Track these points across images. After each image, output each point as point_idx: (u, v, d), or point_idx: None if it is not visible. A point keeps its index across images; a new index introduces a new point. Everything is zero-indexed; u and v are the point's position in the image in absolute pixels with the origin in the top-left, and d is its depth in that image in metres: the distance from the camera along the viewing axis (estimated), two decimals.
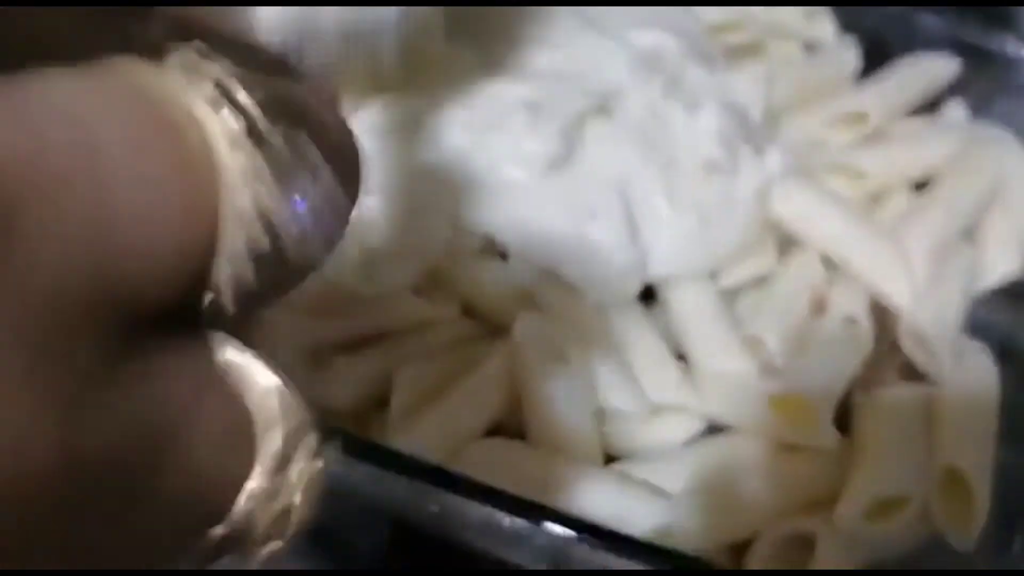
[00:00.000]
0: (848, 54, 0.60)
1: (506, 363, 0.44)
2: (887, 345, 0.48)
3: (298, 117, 0.15)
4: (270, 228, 0.14)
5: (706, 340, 0.45)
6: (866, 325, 0.47)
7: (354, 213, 0.16)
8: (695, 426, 0.45)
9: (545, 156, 0.45)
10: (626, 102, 0.48)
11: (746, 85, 0.52)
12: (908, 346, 0.48)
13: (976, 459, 0.42)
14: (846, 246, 0.49)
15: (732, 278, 0.49)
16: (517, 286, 0.46)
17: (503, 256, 0.46)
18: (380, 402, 0.43)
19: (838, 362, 0.46)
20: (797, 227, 0.50)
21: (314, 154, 0.15)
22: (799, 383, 0.44)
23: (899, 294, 0.48)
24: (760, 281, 0.49)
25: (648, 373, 0.45)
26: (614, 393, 0.44)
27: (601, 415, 0.44)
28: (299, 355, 0.42)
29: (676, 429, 0.45)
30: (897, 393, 0.46)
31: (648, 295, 0.48)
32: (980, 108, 0.60)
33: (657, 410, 0.45)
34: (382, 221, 0.43)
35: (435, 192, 0.44)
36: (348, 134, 0.17)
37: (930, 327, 0.46)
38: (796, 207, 0.49)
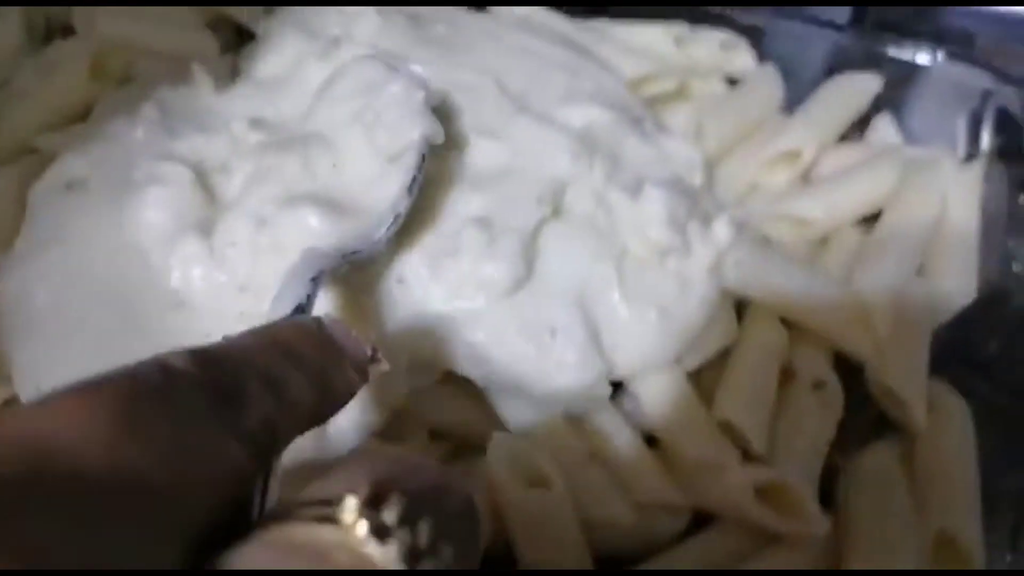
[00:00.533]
0: (771, 84, 0.59)
1: (482, 488, 0.43)
2: (857, 402, 0.48)
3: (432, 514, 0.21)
4: None
5: (682, 430, 0.45)
6: (835, 386, 0.47)
7: None
8: (682, 520, 0.44)
9: (507, 280, 0.43)
10: (573, 197, 0.47)
11: (681, 149, 0.51)
12: (880, 399, 0.47)
13: (965, 518, 0.42)
14: (803, 304, 0.48)
15: (696, 356, 0.48)
16: (483, 409, 0.45)
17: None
18: None
19: (814, 434, 0.45)
20: (752, 293, 0.49)
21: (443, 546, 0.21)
22: (780, 466, 0.43)
23: (862, 346, 0.47)
24: (725, 353, 0.49)
25: (629, 474, 0.44)
26: (597, 503, 0.43)
27: (588, 523, 0.43)
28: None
29: (664, 525, 0.44)
30: (877, 458, 0.45)
31: (616, 383, 0.47)
32: (906, 117, 0.60)
33: (643, 508, 0.44)
34: None
35: (392, 336, 0.42)
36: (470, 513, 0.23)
37: (899, 377, 0.46)
38: (748, 273, 0.48)
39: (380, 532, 0.20)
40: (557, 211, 0.46)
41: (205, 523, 0.20)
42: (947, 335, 0.50)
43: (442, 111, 0.48)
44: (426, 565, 0.20)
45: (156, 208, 0.44)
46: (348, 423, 0.41)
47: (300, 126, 0.49)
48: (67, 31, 0.64)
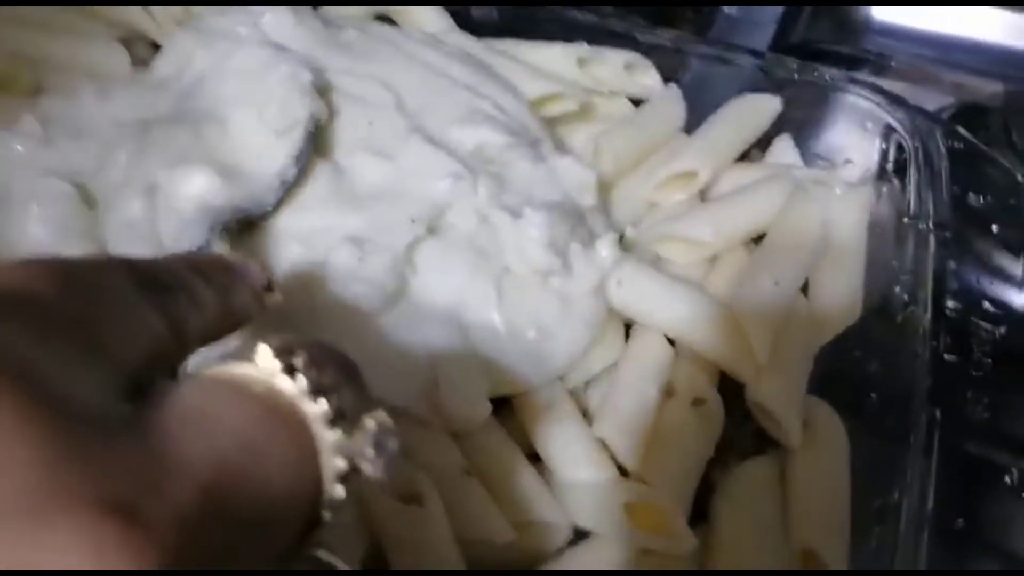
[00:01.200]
0: (673, 106, 0.60)
1: (355, 500, 0.43)
2: (740, 417, 0.49)
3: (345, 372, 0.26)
4: (351, 460, 0.24)
5: (562, 449, 0.45)
6: (715, 404, 0.48)
7: None
8: (562, 535, 0.45)
9: (376, 299, 0.44)
10: (455, 217, 0.47)
11: (574, 170, 0.52)
12: (758, 417, 0.48)
13: (830, 535, 0.43)
14: (684, 325, 0.49)
15: (580, 374, 0.49)
16: None
17: None
18: None
19: (690, 450, 0.46)
20: (635, 312, 0.50)
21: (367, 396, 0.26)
22: (653, 485, 0.44)
23: (741, 366, 0.48)
24: (608, 368, 0.49)
25: (508, 490, 0.44)
26: (474, 519, 0.43)
27: (463, 540, 0.44)
28: None
29: (543, 542, 0.45)
30: (751, 473, 0.46)
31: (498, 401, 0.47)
32: (807, 138, 0.61)
33: (521, 525, 0.44)
34: None
35: None
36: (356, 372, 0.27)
37: (775, 396, 0.47)
38: (631, 293, 0.49)
39: (290, 370, 0.24)
40: (434, 229, 0.47)
41: (135, 370, 0.23)
42: (831, 353, 0.51)
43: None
44: (330, 401, 0.24)
45: (39, 224, 0.45)
46: None
47: (187, 104, 0.50)
48: None
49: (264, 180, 0.47)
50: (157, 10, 0.63)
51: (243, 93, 0.49)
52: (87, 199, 0.47)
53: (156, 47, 0.64)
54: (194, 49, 0.55)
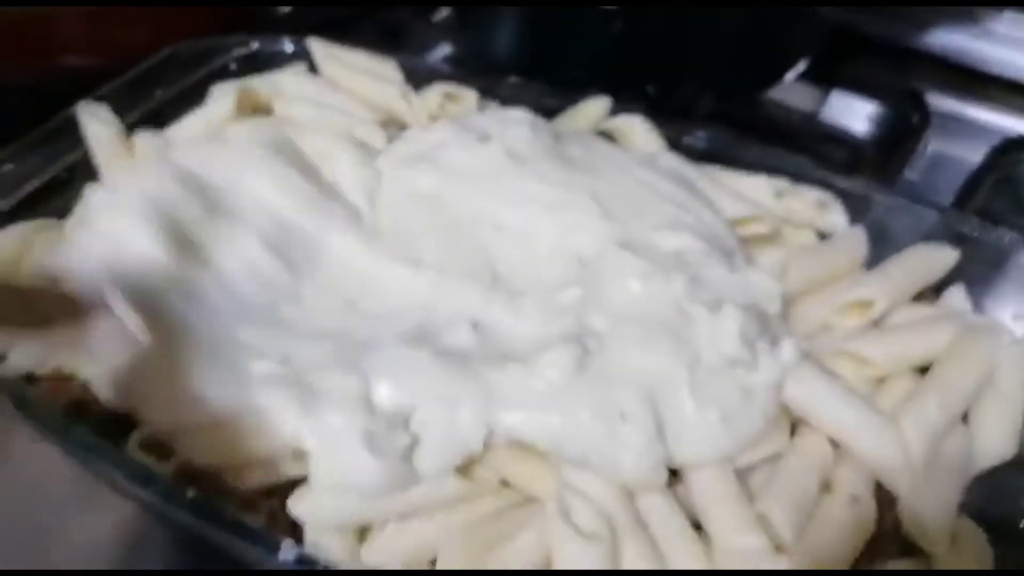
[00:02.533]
0: (858, 243, 0.67)
1: (540, 535, 0.50)
2: (890, 522, 0.53)
3: None
4: None
5: (723, 519, 0.51)
6: (869, 504, 0.53)
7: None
8: None
9: (567, 361, 0.52)
10: (655, 306, 0.55)
11: (763, 281, 0.59)
12: (908, 525, 0.52)
13: None
14: (850, 430, 0.54)
15: (748, 458, 0.54)
16: (548, 467, 0.52)
17: None
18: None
19: (842, 539, 0.51)
20: (807, 411, 0.55)
21: None
22: (806, 561, 0.49)
23: (899, 477, 0.53)
24: (773, 457, 0.55)
25: (672, 550, 0.50)
26: (640, 566, 0.49)
27: None
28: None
29: None
30: (894, 568, 0.50)
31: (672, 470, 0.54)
32: (979, 292, 0.66)
33: None
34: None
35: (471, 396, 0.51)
36: None
37: (927, 509, 0.52)
38: (806, 394, 0.55)
39: None
40: (631, 318, 0.55)
41: None
42: (983, 486, 0.55)
43: None
44: None
45: None
46: (432, 460, 0.50)
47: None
48: (268, 111, 0.77)
49: None
50: (416, 100, 0.75)
51: None
52: None
53: None
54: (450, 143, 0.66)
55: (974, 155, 0.95)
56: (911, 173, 0.95)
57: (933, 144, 0.98)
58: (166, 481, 0.50)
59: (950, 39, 1.06)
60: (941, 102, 1.02)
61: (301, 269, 0.62)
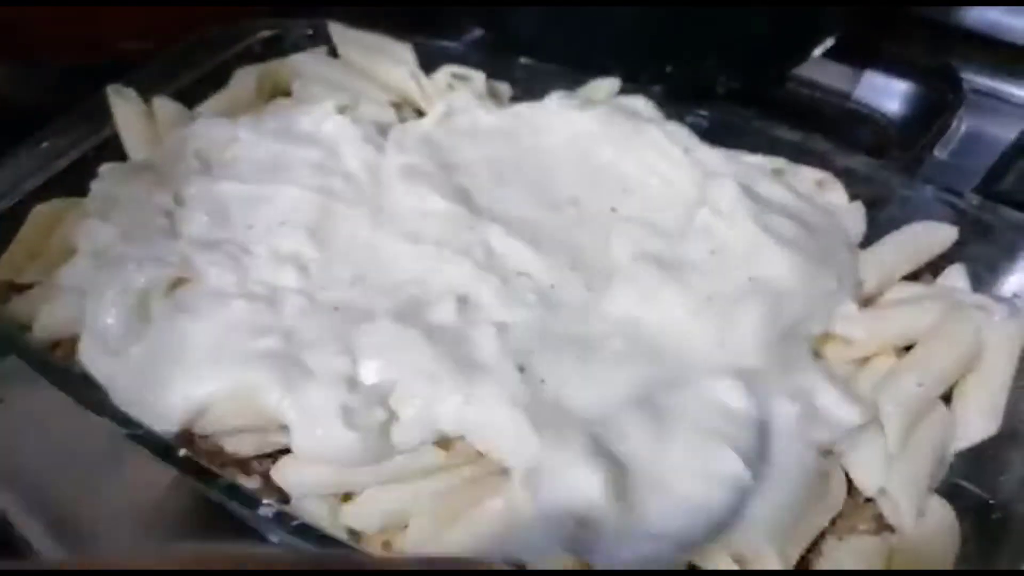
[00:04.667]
0: (855, 221, 0.67)
1: (509, 502, 0.51)
2: (863, 499, 0.54)
3: None
4: None
5: None
6: (838, 478, 0.53)
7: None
8: None
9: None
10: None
11: None
12: (879, 499, 0.53)
13: None
14: None
15: None
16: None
17: None
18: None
19: (807, 517, 0.51)
20: None
21: None
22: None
23: (872, 451, 0.53)
24: None
25: None
26: None
27: None
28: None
29: None
30: (859, 547, 0.51)
31: None
32: (982, 271, 0.65)
33: None
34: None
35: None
36: None
37: (900, 484, 0.52)
38: None
39: None
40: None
41: None
42: (963, 463, 0.55)
43: None
44: None
45: None
46: (410, 434, 0.53)
47: None
48: (286, 94, 0.80)
49: None
50: (425, 81, 0.77)
51: None
52: None
53: (420, 114, 0.78)
54: None
55: (1009, 133, 0.93)
56: (941, 153, 0.93)
57: (967, 123, 0.96)
58: (166, 440, 0.54)
59: (987, 14, 1.03)
60: (977, 79, 1.00)
61: (312, 243, 0.64)
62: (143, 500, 0.66)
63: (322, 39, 0.84)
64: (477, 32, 1.12)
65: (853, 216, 0.67)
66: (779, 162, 0.69)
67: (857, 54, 1.04)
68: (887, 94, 1.03)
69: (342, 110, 0.71)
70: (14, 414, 0.71)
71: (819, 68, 1.03)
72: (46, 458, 0.68)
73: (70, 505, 0.66)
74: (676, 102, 0.76)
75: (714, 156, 0.67)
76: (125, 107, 0.73)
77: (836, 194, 0.69)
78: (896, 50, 1.05)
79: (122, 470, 0.67)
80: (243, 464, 0.57)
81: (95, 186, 0.69)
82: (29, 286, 0.65)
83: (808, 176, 0.69)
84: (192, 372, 0.55)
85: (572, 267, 0.62)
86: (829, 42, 0.96)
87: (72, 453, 0.68)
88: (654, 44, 0.89)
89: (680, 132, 0.69)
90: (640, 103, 0.74)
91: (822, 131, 0.77)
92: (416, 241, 0.63)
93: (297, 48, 0.84)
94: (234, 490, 0.51)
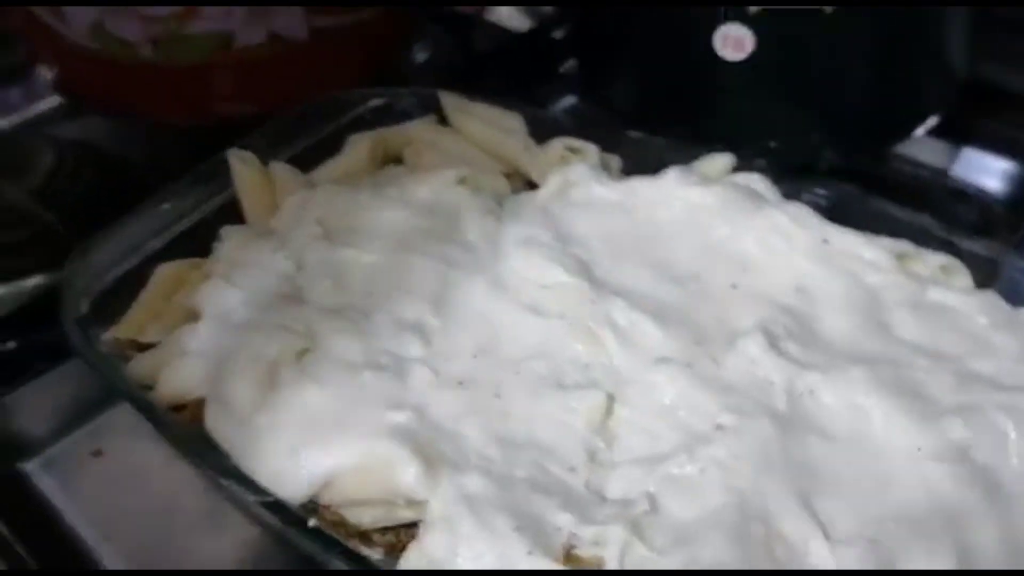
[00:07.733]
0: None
1: None
2: None
3: None
4: None
5: None
6: None
7: None
8: None
9: None
10: None
11: None
12: None
13: None
14: None
15: None
16: None
17: None
18: None
19: None
20: None
21: None
22: None
23: None
24: None
25: None
26: None
27: None
28: None
29: None
30: None
31: None
32: None
33: None
34: None
35: None
36: None
37: None
38: None
39: None
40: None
41: None
42: None
43: None
44: None
45: None
46: None
47: None
48: (397, 161, 0.82)
49: None
50: (538, 152, 0.78)
51: None
52: None
53: (531, 184, 0.78)
54: None
55: None
56: None
57: None
58: (294, 511, 0.54)
59: None
60: None
61: (433, 312, 0.64)
62: (240, 559, 0.67)
63: (430, 107, 0.85)
64: (569, 99, 1.13)
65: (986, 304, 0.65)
66: (904, 246, 0.68)
67: (955, 131, 1.03)
68: (987, 172, 1.02)
69: (462, 180, 0.72)
70: (114, 467, 0.72)
71: (916, 144, 1.02)
72: (144, 513, 0.69)
73: (166, 560, 0.66)
74: (779, 177, 0.76)
75: (847, 240, 0.67)
76: (245, 171, 0.75)
77: (962, 280, 0.67)
78: (995, 127, 1.04)
79: (219, 527, 0.68)
80: (364, 536, 0.56)
81: (217, 248, 0.70)
82: (150, 345, 0.66)
83: (933, 261, 0.67)
84: (321, 442, 0.55)
85: (697, 342, 0.61)
86: (933, 120, 0.96)
87: (169, 509, 0.69)
88: (759, 118, 0.90)
89: (803, 213, 0.68)
90: (758, 181, 0.74)
91: (928, 210, 0.76)
92: (539, 313, 0.63)
93: (407, 116, 0.85)
94: (363, 559, 0.51)
